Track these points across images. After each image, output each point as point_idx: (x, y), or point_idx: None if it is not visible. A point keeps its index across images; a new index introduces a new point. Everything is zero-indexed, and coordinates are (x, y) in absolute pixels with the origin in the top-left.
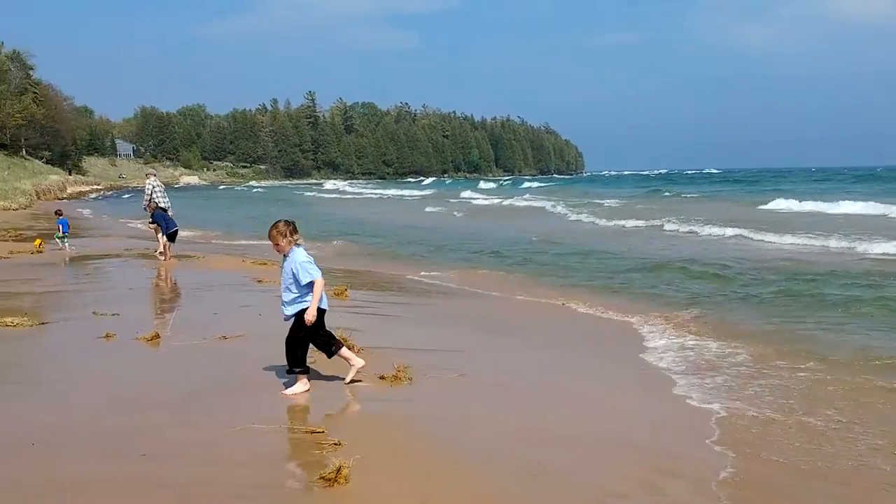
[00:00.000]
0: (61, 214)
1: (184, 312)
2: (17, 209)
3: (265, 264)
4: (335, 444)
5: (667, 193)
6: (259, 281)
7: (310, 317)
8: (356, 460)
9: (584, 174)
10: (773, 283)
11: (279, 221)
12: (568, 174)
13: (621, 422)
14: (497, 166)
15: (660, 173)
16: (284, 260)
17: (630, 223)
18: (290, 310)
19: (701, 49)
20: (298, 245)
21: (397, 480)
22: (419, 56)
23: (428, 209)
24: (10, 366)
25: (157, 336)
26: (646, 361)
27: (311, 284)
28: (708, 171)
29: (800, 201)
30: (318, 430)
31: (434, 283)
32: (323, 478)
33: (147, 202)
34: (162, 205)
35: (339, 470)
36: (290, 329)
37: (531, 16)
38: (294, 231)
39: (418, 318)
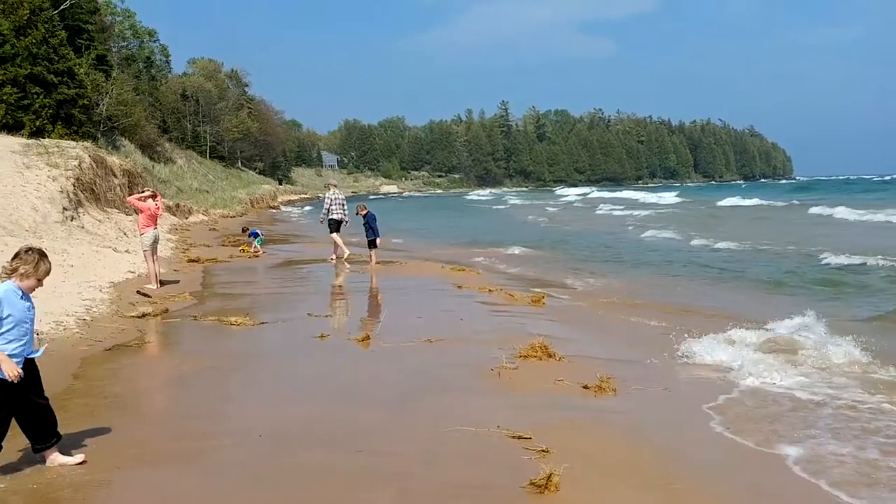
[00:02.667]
0: (247, 230)
1: (390, 315)
2: (234, 216)
3: (463, 270)
4: (543, 450)
5: None
6: (458, 287)
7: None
8: (565, 469)
9: (794, 179)
10: None
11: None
12: (776, 179)
13: None
14: (696, 171)
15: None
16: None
17: None
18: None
19: None
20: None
21: (608, 492)
22: (613, 61)
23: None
24: (235, 362)
25: (368, 337)
26: None
27: None
28: None
29: None
30: (525, 436)
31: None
32: (533, 483)
33: (325, 214)
34: (336, 217)
35: (549, 477)
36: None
37: (730, 15)
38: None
39: (620, 329)
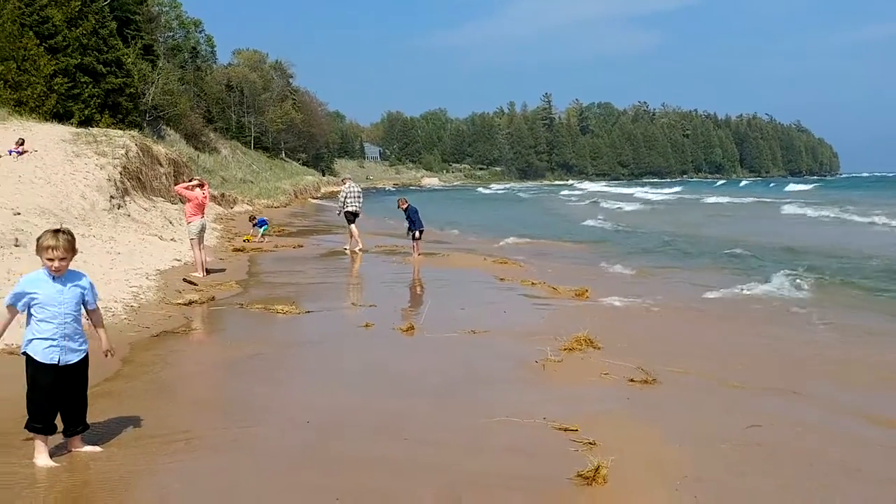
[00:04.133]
0: (254, 219)
1: (433, 306)
2: (278, 207)
3: (505, 263)
4: (590, 442)
5: None
6: (501, 279)
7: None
8: (613, 461)
9: (841, 175)
10: None
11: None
12: (821, 176)
13: None
14: (742, 167)
15: None
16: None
17: None
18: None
19: None
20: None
21: (655, 486)
22: (658, 54)
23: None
24: (281, 350)
25: (412, 328)
26: None
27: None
28: None
29: None
30: (572, 428)
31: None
32: (581, 475)
33: (341, 207)
34: (352, 209)
35: (597, 469)
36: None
37: (779, 8)
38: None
39: (671, 320)
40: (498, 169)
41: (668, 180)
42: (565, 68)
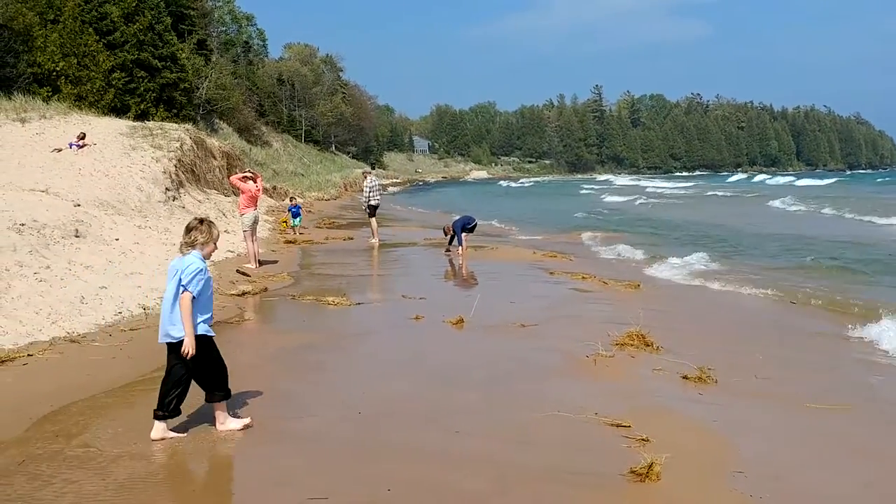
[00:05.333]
0: (294, 201)
1: (482, 300)
2: (328, 199)
3: (555, 257)
4: (643, 439)
5: None
6: (550, 273)
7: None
8: (667, 458)
9: None
10: None
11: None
12: (881, 168)
13: None
14: (798, 160)
15: None
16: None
17: None
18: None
19: None
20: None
21: (708, 486)
22: (711, 45)
23: None
24: (333, 341)
25: (462, 320)
26: None
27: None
28: None
29: None
30: (624, 424)
31: None
32: (634, 472)
33: (366, 200)
34: (374, 203)
35: (650, 466)
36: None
37: None
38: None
39: (719, 320)
40: (547, 162)
41: (723, 174)
42: (616, 59)
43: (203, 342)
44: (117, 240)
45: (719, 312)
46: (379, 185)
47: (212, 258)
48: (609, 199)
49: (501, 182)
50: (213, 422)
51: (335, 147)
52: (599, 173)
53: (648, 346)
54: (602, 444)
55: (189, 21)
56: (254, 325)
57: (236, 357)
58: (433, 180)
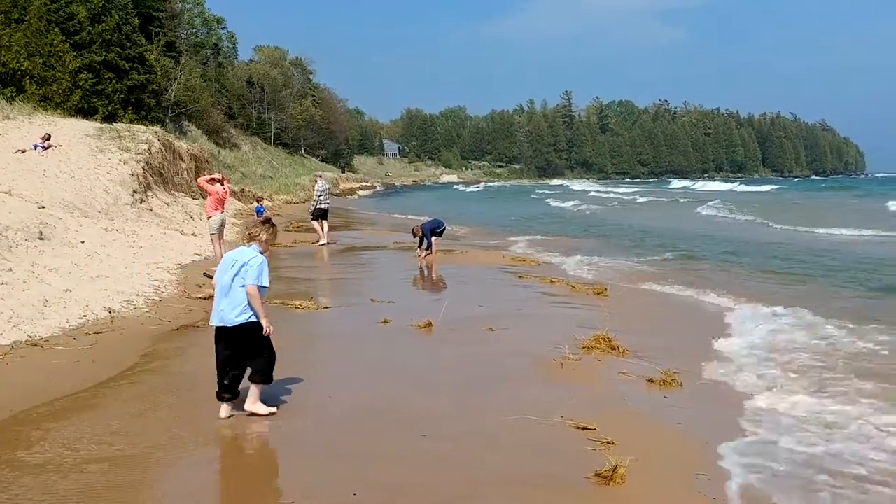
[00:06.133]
0: (261, 200)
1: (451, 303)
2: (297, 202)
3: (524, 261)
4: (608, 442)
5: None
6: (519, 276)
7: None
8: (631, 461)
9: (865, 175)
10: None
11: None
12: (847, 175)
13: None
14: (764, 166)
15: None
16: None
17: None
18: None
19: None
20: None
21: (672, 488)
22: (681, 52)
23: None
24: (301, 345)
25: (430, 324)
26: None
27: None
28: None
29: None
30: (590, 427)
31: None
32: (599, 474)
33: (315, 204)
34: (323, 206)
35: (615, 469)
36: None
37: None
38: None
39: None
40: (517, 166)
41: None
42: (586, 66)
43: (253, 328)
44: (83, 242)
45: (678, 314)
46: (329, 188)
47: (178, 262)
48: (554, 203)
49: (457, 186)
50: (175, 430)
51: (305, 150)
52: (569, 178)
53: (615, 349)
54: (568, 447)
55: (158, 22)
56: None
57: (203, 361)
58: (400, 184)
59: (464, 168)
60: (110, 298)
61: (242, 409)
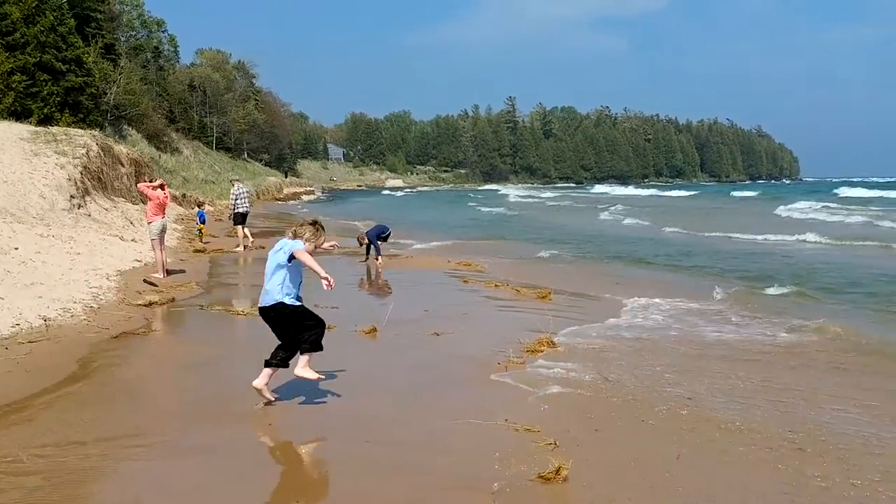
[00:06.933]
0: (202, 205)
1: (396, 308)
2: None
3: (469, 265)
4: (551, 443)
5: None
6: (465, 281)
7: None
8: (574, 462)
9: (798, 180)
10: None
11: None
12: (781, 180)
13: None
14: (702, 171)
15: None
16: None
17: None
18: None
19: None
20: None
21: (617, 486)
22: (622, 60)
23: None
24: (243, 351)
25: (375, 329)
26: None
27: None
28: None
29: None
30: (533, 430)
31: None
32: (542, 476)
33: (233, 209)
34: (242, 210)
35: (558, 470)
36: None
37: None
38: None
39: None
40: (463, 171)
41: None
42: (530, 72)
43: (293, 310)
44: (17, 249)
45: None
46: (247, 193)
47: (118, 268)
48: (480, 208)
49: (384, 191)
50: (115, 440)
51: (247, 154)
52: (514, 182)
53: (558, 351)
54: (512, 450)
55: (96, 24)
56: (161, 336)
57: (143, 368)
58: (344, 187)
59: (409, 173)
60: (45, 306)
61: (271, 398)
